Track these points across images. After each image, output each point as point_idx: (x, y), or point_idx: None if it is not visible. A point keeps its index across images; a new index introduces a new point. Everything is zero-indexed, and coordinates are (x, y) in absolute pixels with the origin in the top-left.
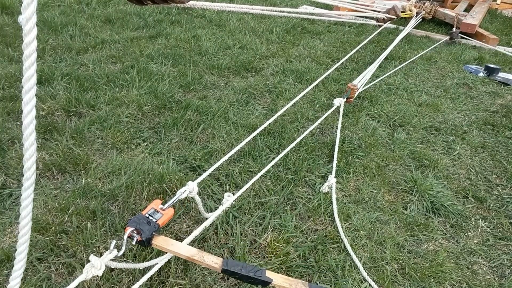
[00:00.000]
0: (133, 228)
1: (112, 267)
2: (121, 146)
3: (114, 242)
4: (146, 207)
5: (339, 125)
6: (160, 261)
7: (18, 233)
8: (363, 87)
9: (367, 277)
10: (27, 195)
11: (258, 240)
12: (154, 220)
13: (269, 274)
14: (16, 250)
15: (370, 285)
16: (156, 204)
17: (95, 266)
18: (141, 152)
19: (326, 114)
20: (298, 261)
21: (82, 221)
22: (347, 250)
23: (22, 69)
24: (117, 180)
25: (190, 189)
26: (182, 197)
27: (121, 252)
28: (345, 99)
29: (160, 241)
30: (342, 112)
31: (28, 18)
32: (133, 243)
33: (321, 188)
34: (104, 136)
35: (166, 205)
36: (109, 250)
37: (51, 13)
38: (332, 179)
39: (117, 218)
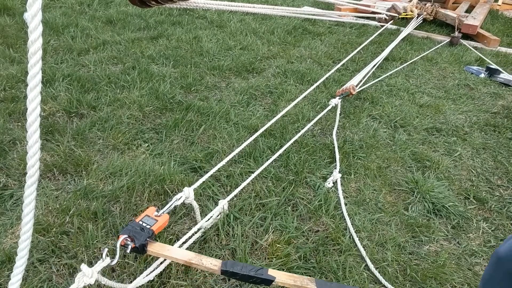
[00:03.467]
0: (126, 236)
1: (102, 282)
2: (122, 147)
3: (106, 249)
4: (139, 214)
5: (337, 120)
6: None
7: (19, 233)
8: (361, 86)
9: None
10: (30, 192)
11: (259, 241)
12: (148, 227)
13: (272, 272)
14: (17, 250)
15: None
16: (151, 211)
17: (87, 275)
18: (142, 153)
19: (322, 113)
20: (299, 262)
21: (83, 222)
22: (356, 245)
23: (23, 71)
24: (118, 181)
25: (186, 195)
26: (178, 203)
27: (115, 261)
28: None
29: (156, 248)
30: (340, 106)
31: (33, 15)
32: (128, 251)
33: (325, 183)
34: (105, 137)
35: (161, 211)
36: (101, 258)
37: (53, 14)
38: (336, 174)
39: (118, 219)
